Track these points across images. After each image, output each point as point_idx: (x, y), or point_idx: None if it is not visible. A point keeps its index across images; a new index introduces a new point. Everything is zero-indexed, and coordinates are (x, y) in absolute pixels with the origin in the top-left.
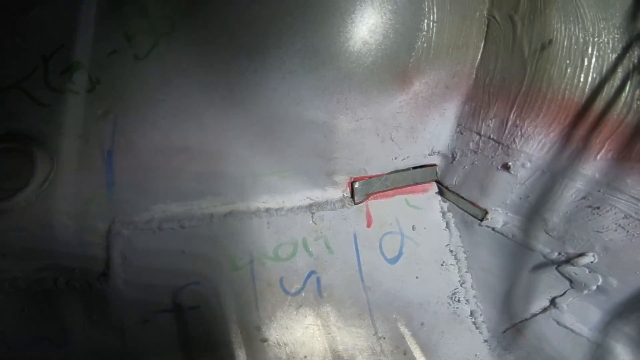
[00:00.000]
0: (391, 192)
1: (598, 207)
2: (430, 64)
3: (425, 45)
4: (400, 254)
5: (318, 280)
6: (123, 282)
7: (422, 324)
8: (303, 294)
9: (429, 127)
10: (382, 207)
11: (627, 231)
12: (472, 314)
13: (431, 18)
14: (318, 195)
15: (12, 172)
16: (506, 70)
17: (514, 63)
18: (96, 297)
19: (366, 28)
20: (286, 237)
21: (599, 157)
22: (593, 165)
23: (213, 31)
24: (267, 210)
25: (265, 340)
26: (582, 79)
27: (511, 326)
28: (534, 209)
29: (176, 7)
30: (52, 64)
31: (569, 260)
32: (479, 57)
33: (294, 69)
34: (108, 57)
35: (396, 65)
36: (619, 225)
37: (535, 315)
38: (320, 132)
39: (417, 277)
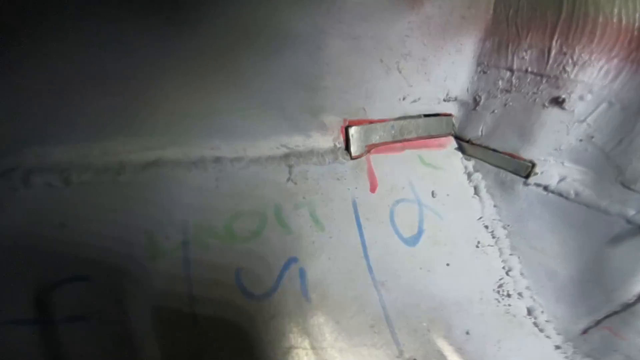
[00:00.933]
0: (399, 144)
1: None
2: None
3: None
4: (420, 230)
5: (301, 272)
6: None
7: (467, 332)
8: (277, 296)
9: (443, 62)
10: (389, 164)
11: None
12: (530, 311)
13: None
14: (298, 142)
15: None
16: (534, 0)
17: None
18: None
19: None
20: (247, 202)
21: None
22: None
23: None
24: (217, 160)
25: None
26: (636, 2)
27: (594, 324)
28: (603, 154)
29: None
30: None
31: None
32: None
33: None
34: None
35: None
36: None
37: (630, 305)
38: (303, 49)
39: (447, 265)
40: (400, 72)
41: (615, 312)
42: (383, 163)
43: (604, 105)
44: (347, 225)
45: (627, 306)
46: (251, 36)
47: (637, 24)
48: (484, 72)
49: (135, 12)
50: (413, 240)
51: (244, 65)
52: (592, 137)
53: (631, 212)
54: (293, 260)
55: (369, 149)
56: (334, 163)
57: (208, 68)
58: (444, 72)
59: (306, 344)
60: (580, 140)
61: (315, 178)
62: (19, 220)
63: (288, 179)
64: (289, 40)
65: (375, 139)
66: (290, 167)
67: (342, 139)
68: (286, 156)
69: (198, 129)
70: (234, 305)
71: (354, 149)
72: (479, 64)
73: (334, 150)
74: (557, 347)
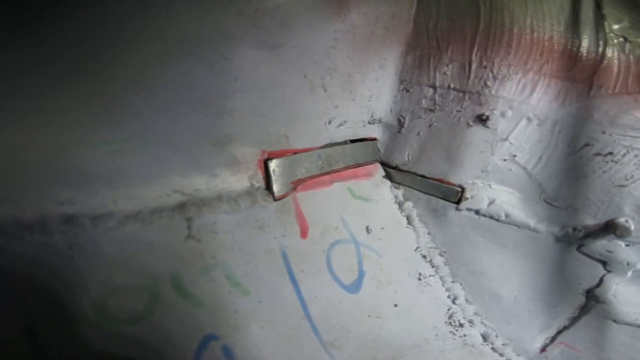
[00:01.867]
0: (327, 177)
1: (610, 153)
2: None
3: None
4: (361, 273)
5: (227, 351)
6: None
7: None
8: None
9: (367, 79)
10: (318, 201)
11: None
12: (485, 338)
13: None
14: (199, 184)
15: None
16: (453, 11)
17: (462, 2)
18: None
19: None
20: (125, 275)
21: (592, 93)
22: (588, 104)
23: None
24: (70, 220)
25: None
26: (545, 13)
27: (550, 341)
28: (526, 173)
29: None
30: None
31: (591, 236)
32: (415, 1)
33: None
34: None
35: None
36: None
37: (575, 318)
38: (203, 59)
39: (395, 305)
40: (325, 90)
41: (565, 327)
42: (312, 201)
43: (523, 122)
44: (279, 283)
45: (573, 319)
46: (125, 39)
47: (547, 35)
48: (407, 90)
49: None
50: (355, 286)
51: (113, 78)
52: (515, 155)
53: (557, 229)
54: (211, 338)
55: (295, 185)
56: (253, 208)
57: (52, 80)
58: (369, 91)
59: None
60: (504, 159)
61: (228, 230)
62: None
63: (188, 236)
64: (182, 47)
65: (301, 172)
66: (188, 220)
67: (260, 176)
68: (181, 206)
69: (35, 175)
70: None
71: (277, 188)
72: (401, 81)
73: (250, 192)
74: None
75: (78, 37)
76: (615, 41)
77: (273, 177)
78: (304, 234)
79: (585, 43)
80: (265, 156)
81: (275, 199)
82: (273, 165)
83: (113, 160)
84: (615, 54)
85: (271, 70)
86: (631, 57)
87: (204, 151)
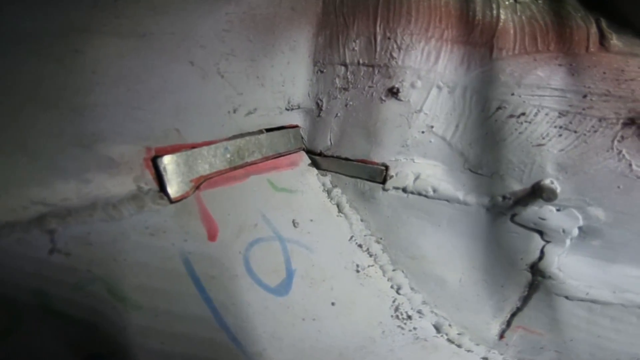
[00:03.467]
0: (241, 171)
1: (523, 114)
2: None
3: None
4: (289, 272)
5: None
6: None
7: None
8: None
9: (277, 63)
10: (230, 199)
11: (575, 131)
12: (438, 329)
13: None
14: (67, 192)
15: None
16: None
17: None
18: None
19: None
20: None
21: (494, 56)
22: (492, 67)
23: None
24: None
25: None
26: None
27: (506, 325)
28: (445, 143)
29: None
30: None
31: (521, 202)
32: None
33: None
34: None
35: None
36: (560, 127)
37: (526, 298)
38: (49, 55)
39: (333, 304)
40: (222, 76)
41: (518, 309)
42: (221, 198)
43: (434, 91)
44: (181, 293)
45: (524, 299)
46: None
47: (443, 0)
48: (322, 72)
49: None
50: (284, 288)
51: None
52: (432, 126)
53: (486, 199)
54: (97, 357)
55: (197, 183)
56: (140, 213)
57: None
58: (281, 75)
59: None
60: (422, 132)
61: (108, 240)
62: None
63: (52, 250)
64: (23, 44)
65: (205, 168)
66: (50, 232)
67: (150, 176)
68: (40, 218)
69: None
70: None
71: (173, 189)
72: (315, 63)
73: (137, 196)
74: (485, 359)
75: None
76: (507, 3)
77: (166, 177)
78: (212, 236)
79: (479, 7)
80: (153, 154)
81: (172, 201)
82: (164, 162)
83: None
84: (509, 15)
85: (141, 59)
86: (523, 17)
87: (66, 155)
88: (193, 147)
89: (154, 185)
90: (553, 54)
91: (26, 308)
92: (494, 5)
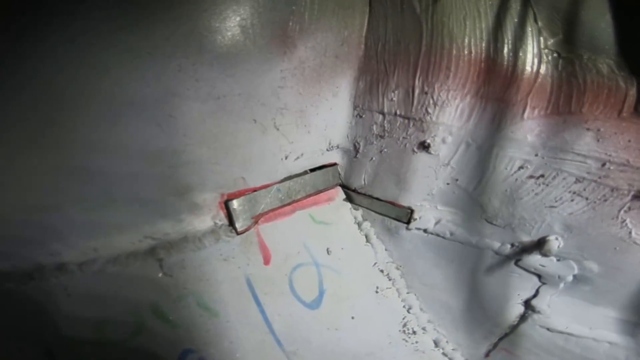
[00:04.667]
0: (289, 207)
1: (542, 176)
2: (316, 23)
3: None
4: (321, 291)
5: None
6: None
7: None
8: None
9: (321, 110)
10: (280, 231)
11: (586, 198)
12: (436, 343)
13: None
14: (167, 229)
15: None
16: (399, 32)
17: (406, 22)
18: None
19: None
20: (114, 306)
21: (525, 115)
22: (522, 127)
23: None
24: (61, 267)
25: None
26: (483, 30)
27: (493, 347)
28: (467, 195)
29: None
30: None
31: (526, 251)
32: (366, 22)
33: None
34: None
35: (273, 20)
36: (574, 192)
37: (515, 326)
38: (152, 118)
39: (352, 318)
40: (278, 129)
41: (506, 334)
42: (274, 231)
43: (462, 147)
44: (244, 306)
45: (513, 327)
46: (77, 105)
47: (484, 54)
48: (360, 116)
49: None
50: (316, 303)
51: (72, 141)
52: (457, 179)
53: (497, 245)
54: (188, 352)
55: (257, 219)
56: (217, 244)
57: (17, 144)
58: (324, 121)
59: None
60: (447, 183)
61: (196, 265)
62: None
63: (161, 273)
64: (130, 109)
65: (261, 207)
66: (160, 260)
67: (222, 215)
68: (152, 249)
69: (28, 233)
70: None
71: (239, 224)
72: (355, 107)
73: (214, 230)
74: None
75: (32, 104)
76: (549, 57)
77: (234, 215)
78: (266, 261)
79: (521, 61)
80: (225, 198)
81: (238, 234)
82: (234, 205)
83: (88, 216)
84: (549, 71)
85: (218, 121)
86: (563, 74)
87: (166, 202)
88: (254, 190)
89: (225, 222)
90: (584, 117)
91: (146, 318)
92: (537, 60)
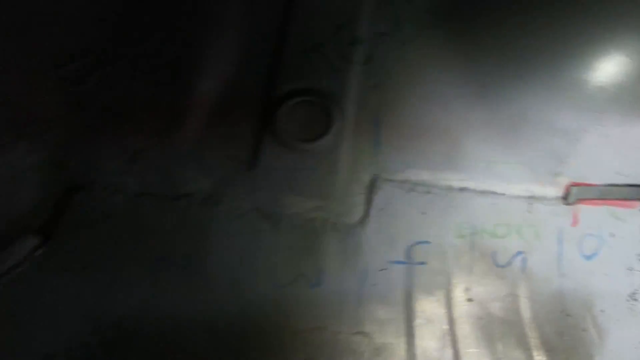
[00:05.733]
0: (601, 201)
1: None
2: None
3: None
4: (596, 253)
5: (524, 259)
6: (374, 231)
7: (602, 310)
8: (509, 268)
9: None
10: (589, 212)
11: None
12: None
13: None
14: (538, 190)
15: (314, 120)
16: None
17: None
18: (352, 242)
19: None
20: (504, 218)
21: None
22: None
23: (478, 33)
24: (493, 193)
25: (470, 300)
26: None
27: None
28: None
29: (442, 2)
30: (343, 34)
31: None
32: None
33: (560, 85)
34: (380, 37)
35: None
36: None
37: None
38: (567, 139)
39: (605, 274)
40: (626, 157)
41: None
42: (585, 211)
43: None
44: (553, 242)
45: None
46: (528, 123)
47: None
48: None
49: (452, 77)
50: (589, 258)
51: (520, 139)
52: None
53: None
54: (520, 252)
55: (580, 201)
56: (555, 205)
57: (498, 134)
58: None
59: (516, 293)
60: None
61: (543, 212)
62: (406, 207)
63: (527, 210)
64: (556, 131)
65: (586, 196)
66: (530, 204)
67: (565, 192)
68: (529, 197)
69: (485, 172)
70: (488, 268)
71: (570, 200)
72: None
73: (557, 198)
74: None
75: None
76: None
77: (570, 195)
78: (574, 224)
79: None
80: (572, 183)
81: (567, 204)
82: (573, 189)
83: (509, 171)
84: None
85: (597, 147)
86: None
87: (546, 176)
88: (587, 185)
89: (564, 196)
90: None
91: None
92: None
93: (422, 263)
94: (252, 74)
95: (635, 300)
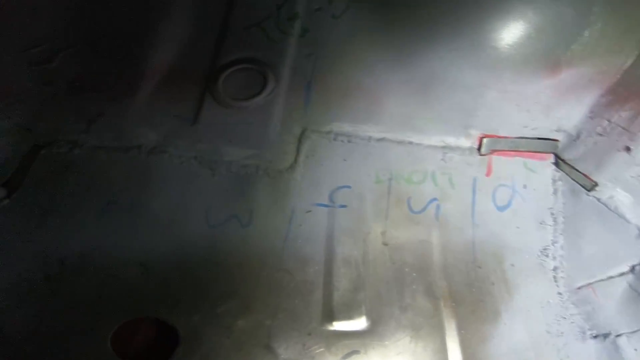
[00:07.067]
0: (513, 152)
1: None
2: (582, 61)
3: (581, 47)
4: (508, 204)
5: (438, 206)
6: (301, 176)
7: (512, 264)
8: (423, 215)
9: (563, 108)
10: (502, 163)
11: None
12: (555, 269)
13: (595, 28)
14: (452, 141)
15: (251, 83)
16: None
17: None
18: (282, 186)
19: (533, 26)
20: (420, 166)
21: None
22: None
23: (395, 6)
24: (410, 143)
25: (386, 244)
26: None
27: (586, 284)
28: None
29: None
30: (282, 12)
31: None
32: (630, 62)
33: (461, 47)
34: (315, 12)
35: (550, 57)
36: None
37: (612, 277)
38: (471, 94)
39: (517, 227)
40: (528, 112)
41: (602, 280)
42: (498, 162)
43: None
44: (467, 191)
45: (609, 277)
46: (441, 82)
47: None
48: (591, 118)
49: (375, 45)
50: (502, 209)
51: (435, 95)
52: None
53: None
54: (435, 199)
55: (492, 152)
56: (469, 156)
57: (416, 92)
58: (561, 114)
59: (431, 240)
60: (632, 177)
61: (456, 161)
62: (329, 155)
63: (442, 159)
64: (464, 88)
65: (498, 147)
66: (444, 153)
67: (477, 144)
68: (443, 147)
69: (403, 125)
70: (404, 213)
71: (482, 150)
72: (591, 111)
73: (470, 149)
74: (559, 293)
75: None
76: None
77: (482, 145)
78: (488, 174)
79: None
80: (483, 135)
81: (480, 155)
82: (485, 140)
83: (425, 124)
84: None
85: (499, 101)
86: None
87: (458, 129)
88: (498, 137)
89: (477, 147)
90: None
91: (428, 174)
92: None
93: (343, 206)
94: (200, 48)
95: (546, 256)
